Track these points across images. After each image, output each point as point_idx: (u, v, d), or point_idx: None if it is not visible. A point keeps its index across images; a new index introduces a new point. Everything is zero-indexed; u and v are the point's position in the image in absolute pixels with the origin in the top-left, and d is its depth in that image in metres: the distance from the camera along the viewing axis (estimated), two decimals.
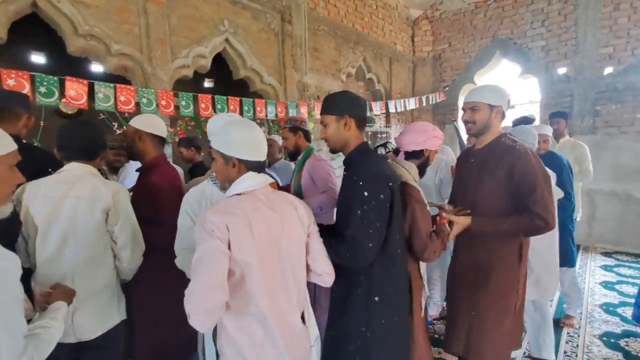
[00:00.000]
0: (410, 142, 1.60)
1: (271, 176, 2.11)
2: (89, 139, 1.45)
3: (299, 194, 2.16)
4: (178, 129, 3.56)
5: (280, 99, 4.15)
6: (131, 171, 2.72)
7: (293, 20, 4.26)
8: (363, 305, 1.31)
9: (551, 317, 2.34)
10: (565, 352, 2.47)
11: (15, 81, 2.20)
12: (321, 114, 1.40)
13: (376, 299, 1.30)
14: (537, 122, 3.77)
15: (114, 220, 1.41)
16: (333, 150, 1.42)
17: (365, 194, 1.24)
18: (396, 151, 1.71)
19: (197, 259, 1.01)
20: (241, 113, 3.43)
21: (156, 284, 1.65)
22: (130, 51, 2.94)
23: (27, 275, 1.27)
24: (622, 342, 2.55)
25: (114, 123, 2.87)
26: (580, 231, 3.91)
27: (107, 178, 2.54)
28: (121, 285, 1.53)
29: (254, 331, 1.07)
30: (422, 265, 1.59)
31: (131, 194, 1.71)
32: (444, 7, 6.25)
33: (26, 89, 2.22)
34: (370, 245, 1.22)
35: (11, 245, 1.33)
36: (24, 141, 1.64)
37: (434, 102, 6.07)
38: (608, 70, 4.84)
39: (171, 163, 2.09)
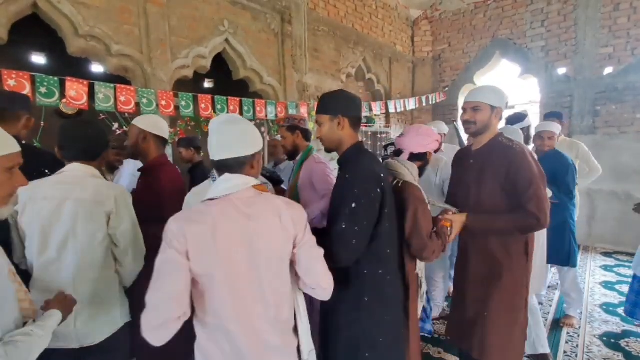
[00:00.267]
0: (417, 145, 1.64)
1: (271, 178, 2.09)
2: (90, 138, 1.42)
3: (297, 195, 2.12)
4: (178, 129, 3.56)
5: (280, 100, 4.15)
6: (125, 173, 2.71)
7: (293, 20, 4.27)
8: (353, 305, 1.31)
9: (539, 311, 2.34)
10: (565, 352, 2.47)
11: (15, 81, 2.20)
12: (316, 113, 1.41)
13: (366, 299, 1.30)
14: (537, 122, 3.76)
15: (116, 224, 1.38)
16: (327, 150, 1.43)
17: (355, 191, 1.24)
18: (396, 152, 1.73)
19: (155, 270, 0.97)
20: (241, 113, 3.44)
21: None
22: (131, 52, 2.95)
23: (26, 280, 1.24)
24: (622, 343, 2.55)
25: (114, 123, 2.87)
26: (580, 231, 3.90)
27: (105, 178, 2.54)
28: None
29: (221, 344, 1.02)
30: (421, 265, 1.59)
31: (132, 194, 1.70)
32: (443, 8, 6.26)
33: (27, 90, 2.23)
34: (354, 242, 1.22)
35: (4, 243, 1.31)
36: (23, 142, 1.63)
37: (433, 102, 6.07)
38: (608, 70, 4.84)
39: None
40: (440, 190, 2.76)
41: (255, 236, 1.02)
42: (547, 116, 3.53)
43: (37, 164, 1.55)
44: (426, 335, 2.59)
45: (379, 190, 1.26)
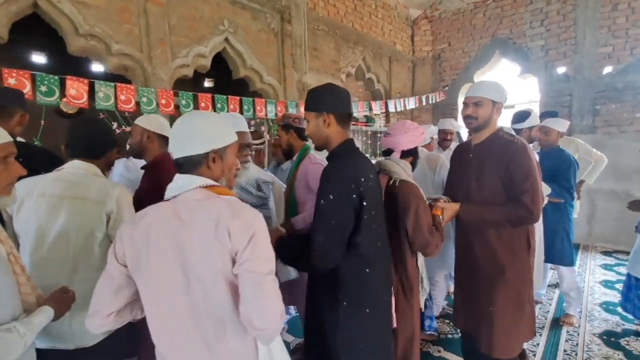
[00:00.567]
0: (407, 142, 1.65)
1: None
2: (94, 137, 1.41)
3: (293, 196, 2.09)
4: None
5: (280, 99, 4.16)
6: (115, 173, 2.66)
7: (292, 20, 4.27)
8: (333, 308, 1.27)
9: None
10: (565, 350, 2.47)
11: (16, 80, 2.21)
12: (304, 109, 1.37)
13: (344, 303, 1.25)
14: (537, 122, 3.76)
15: (116, 224, 1.34)
16: (316, 148, 1.39)
17: (330, 198, 1.19)
18: (386, 151, 1.74)
19: None
20: (241, 112, 3.45)
21: None
22: (131, 51, 2.95)
23: None
24: (622, 341, 2.55)
25: (113, 122, 2.87)
26: (580, 230, 3.92)
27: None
28: None
29: None
30: (420, 260, 1.60)
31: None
32: (443, 7, 6.26)
33: (27, 88, 2.23)
34: (329, 254, 1.19)
35: None
36: (18, 139, 1.60)
37: (433, 101, 6.08)
38: (607, 69, 4.84)
39: None
40: (440, 188, 2.76)
41: (188, 248, 0.87)
42: (543, 115, 3.53)
43: (34, 162, 1.49)
44: (433, 333, 2.60)
45: (355, 195, 1.21)
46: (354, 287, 1.26)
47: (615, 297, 3.29)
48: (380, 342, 1.34)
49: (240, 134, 1.45)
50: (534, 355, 2.40)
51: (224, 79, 4.49)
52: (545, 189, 2.43)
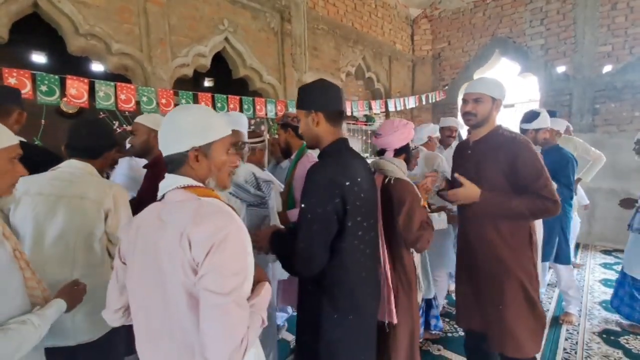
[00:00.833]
0: (397, 140, 1.66)
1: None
2: (92, 137, 1.42)
3: (292, 195, 2.08)
4: None
5: (279, 98, 4.16)
6: (118, 172, 2.65)
7: (292, 19, 4.27)
8: (317, 313, 1.24)
9: None
10: (564, 349, 2.47)
11: (16, 80, 2.22)
12: (296, 108, 1.34)
13: (328, 308, 1.22)
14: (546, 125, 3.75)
15: (113, 222, 1.37)
16: (309, 147, 1.36)
17: (312, 202, 1.15)
18: (380, 151, 1.76)
19: None
20: (241, 111, 3.45)
21: None
22: (131, 50, 2.95)
23: None
24: (622, 340, 2.55)
25: (114, 122, 2.88)
26: (580, 229, 3.92)
27: (107, 176, 2.53)
28: None
29: None
30: (417, 260, 1.62)
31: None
32: (443, 6, 6.26)
33: (27, 88, 2.24)
34: (313, 260, 1.16)
35: None
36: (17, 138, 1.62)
37: (433, 100, 6.08)
38: (607, 68, 4.85)
39: None
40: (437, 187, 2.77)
41: (161, 253, 0.81)
42: None
43: (33, 162, 1.52)
44: (438, 332, 2.61)
45: (337, 199, 1.15)
46: (337, 294, 1.22)
47: None
48: (365, 351, 1.32)
49: (233, 131, 1.44)
50: None
51: (224, 79, 4.49)
52: None
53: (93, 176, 1.40)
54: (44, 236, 1.28)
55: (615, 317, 2.88)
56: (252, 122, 3.87)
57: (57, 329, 1.24)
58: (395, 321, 1.54)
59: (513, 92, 5.85)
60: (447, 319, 2.91)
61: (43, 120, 2.38)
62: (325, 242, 1.16)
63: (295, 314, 2.89)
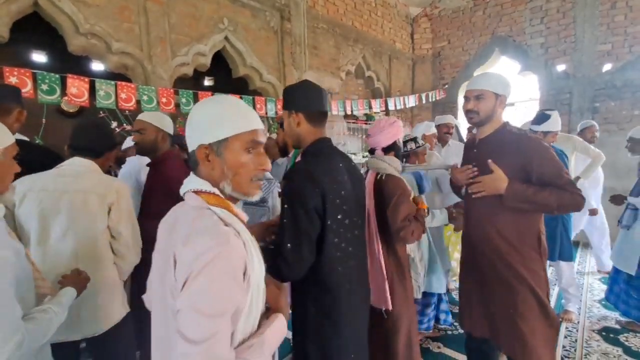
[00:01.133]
0: (384, 139, 1.73)
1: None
2: (94, 138, 1.46)
3: None
4: (178, 126, 3.58)
5: (279, 97, 4.16)
6: (126, 172, 2.68)
7: (292, 18, 4.27)
8: (304, 315, 1.24)
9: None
10: (564, 346, 2.48)
11: (17, 79, 2.22)
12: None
13: (313, 309, 1.21)
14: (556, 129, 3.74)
15: (116, 216, 1.40)
16: (293, 146, 1.38)
17: (292, 201, 1.15)
18: (371, 150, 1.83)
19: None
20: None
21: None
22: (131, 49, 2.96)
23: None
24: (621, 338, 2.56)
25: (114, 121, 2.89)
26: (580, 228, 3.92)
27: (116, 173, 2.56)
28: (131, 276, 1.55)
29: None
30: (413, 247, 1.65)
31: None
32: (443, 5, 6.26)
33: (28, 87, 2.25)
34: (298, 264, 1.14)
35: None
36: (18, 137, 1.59)
37: (433, 99, 6.08)
38: (606, 67, 4.85)
39: None
40: (434, 184, 2.77)
41: (166, 258, 0.75)
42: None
43: (33, 161, 1.50)
44: (447, 327, 2.66)
45: (318, 198, 1.15)
46: (320, 294, 1.21)
47: None
48: (355, 352, 1.30)
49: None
50: None
51: (223, 78, 4.50)
52: None
53: (96, 172, 1.44)
54: (49, 231, 1.32)
55: (615, 314, 2.89)
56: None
57: (62, 323, 1.27)
58: (390, 307, 1.59)
59: (513, 90, 5.83)
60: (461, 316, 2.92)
61: (44, 120, 2.38)
62: (311, 241, 1.16)
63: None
